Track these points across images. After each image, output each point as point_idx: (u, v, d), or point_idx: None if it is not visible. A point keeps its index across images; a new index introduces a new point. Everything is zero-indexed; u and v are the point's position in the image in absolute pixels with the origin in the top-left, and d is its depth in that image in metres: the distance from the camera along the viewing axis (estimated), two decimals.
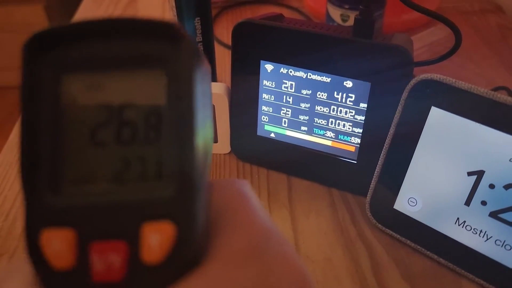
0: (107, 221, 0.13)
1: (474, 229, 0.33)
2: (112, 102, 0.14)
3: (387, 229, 0.37)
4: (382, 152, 0.35)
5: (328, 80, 0.37)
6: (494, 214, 0.32)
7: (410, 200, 0.35)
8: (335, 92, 0.37)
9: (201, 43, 0.47)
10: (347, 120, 0.38)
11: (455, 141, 0.32)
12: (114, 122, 0.14)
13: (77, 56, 0.14)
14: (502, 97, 0.30)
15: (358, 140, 0.38)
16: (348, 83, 0.36)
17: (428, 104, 0.33)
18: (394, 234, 0.36)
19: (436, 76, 0.32)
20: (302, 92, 0.38)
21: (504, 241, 0.32)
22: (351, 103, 0.37)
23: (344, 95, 0.37)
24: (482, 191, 0.32)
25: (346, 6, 0.53)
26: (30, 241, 0.13)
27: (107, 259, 0.13)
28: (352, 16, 0.54)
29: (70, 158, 0.14)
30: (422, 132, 0.34)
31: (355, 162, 0.39)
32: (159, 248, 0.13)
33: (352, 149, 0.39)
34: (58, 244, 0.13)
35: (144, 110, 0.14)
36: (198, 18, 0.45)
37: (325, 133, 0.39)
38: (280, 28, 0.36)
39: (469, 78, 0.55)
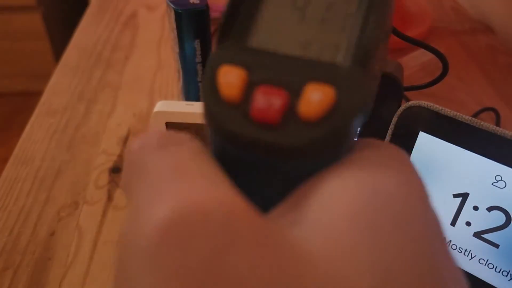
0: (279, 72, 0.15)
1: (459, 248, 0.35)
2: None
3: None
4: None
5: None
6: (477, 234, 0.34)
7: None
8: None
9: (200, 63, 0.49)
10: None
11: (442, 165, 0.34)
12: (307, 6, 0.16)
13: None
14: (484, 124, 0.32)
15: None
16: None
17: (416, 129, 0.35)
18: None
19: (424, 103, 0.34)
20: None
21: (487, 260, 0.34)
22: None
23: None
24: (467, 212, 0.34)
25: None
26: (209, 72, 0.15)
27: (268, 100, 0.14)
28: None
29: (264, 23, 0.16)
30: (411, 155, 0.35)
31: None
32: (316, 105, 0.14)
33: None
34: (232, 78, 0.15)
35: (334, 1, 0.16)
36: (198, 40, 0.47)
37: None
38: None
39: (459, 98, 0.57)
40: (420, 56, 0.67)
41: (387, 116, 0.36)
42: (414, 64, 0.66)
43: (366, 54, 0.14)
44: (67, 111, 0.54)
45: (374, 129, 0.38)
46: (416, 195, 0.14)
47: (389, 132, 0.36)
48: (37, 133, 0.51)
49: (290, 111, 0.14)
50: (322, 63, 0.15)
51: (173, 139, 0.15)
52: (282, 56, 0.15)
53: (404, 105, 0.35)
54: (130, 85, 0.59)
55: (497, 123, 0.52)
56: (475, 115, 0.53)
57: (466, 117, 0.33)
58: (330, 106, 0.14)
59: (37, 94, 0.56)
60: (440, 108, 0.34)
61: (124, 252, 0.13)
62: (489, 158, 0.32)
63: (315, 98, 0.14)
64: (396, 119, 0.36)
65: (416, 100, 0.35)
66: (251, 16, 0.16)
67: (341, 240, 0.12)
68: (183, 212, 0.12)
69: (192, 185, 0.13)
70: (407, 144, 0.35)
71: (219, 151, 0.15)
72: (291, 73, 0.15)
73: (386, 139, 0.36)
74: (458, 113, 0.33)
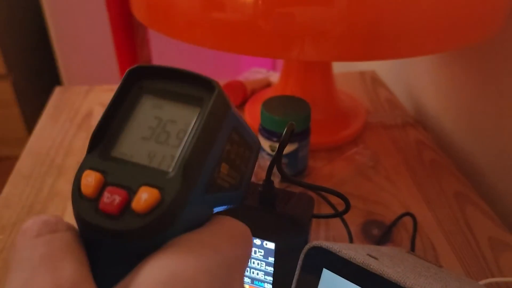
0: (124, 177, 0.21)
1: None
2: (163, 117, 0.23)
3: None
4: None
5: None
6: None
7: None
8: None
9: None
10: (260, 270, 0.44)
11: None
12: (159, 128, 0.22)
13: (155, 86, 0.23)
14: (374, 267, 0.37)
15: (270, 286, 0.44)
16: (257, 241, 0.42)
17: (320, 266, 0.39)
18: None
19: (325, 244, 0.39)
20: None
21: None
22: (261, 257, 0.43)
23: (256, 250, 0.43)
24: None
25: (274, 139, 0.60)
26: (78, 174, 0.21)
27: (111, 197, 0.20)
28: None
29: (125, 138, 0.22)
30: None
31: None
32: (143, 202, 0.19)
33: None
34: (91, 180, 0.20)
35: (178, 127, 0.22)
36: None
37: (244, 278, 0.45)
38: None
39: (385, 200, 0.61)
40: (354, 156, 0.72)
41: (297, 250, 0.40)
42: (349, 165, 0.71)
43: (186, 167, 0.20)
44: (16, 227, 0.57)
45: (287, 261, 0.42)
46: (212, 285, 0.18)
47: (298, 268, 0.40)
48: None
49: (128, 206, 0.20)
50: (158, 171, 0.21)
51: (50, 227, 0.20)
52: (133, 164, 0.21)
53: (308, 245, 0.39)
54: None
55: (414, 229, 0.57)
56: (396, 220, 0.58)
57: (359, 259, 0.38)
58: (155, 203, 0.19)
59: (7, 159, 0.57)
60: (338, 250, 0.38)
61: None
62: None
63: (143, 197, 0.19)
64: (303, 256, 0.40)
65: (318, 241, 0.39)
66: (117, 130, 0.23)
67: None
68: None
69: (54, 274, 0.18)
70: (314, 279, 0.39)
71: (83, 235, 0.20)
72: (134, 178, 0.20)
73: (296, 273, 0.40)
74: (354, 256, 0.38)
